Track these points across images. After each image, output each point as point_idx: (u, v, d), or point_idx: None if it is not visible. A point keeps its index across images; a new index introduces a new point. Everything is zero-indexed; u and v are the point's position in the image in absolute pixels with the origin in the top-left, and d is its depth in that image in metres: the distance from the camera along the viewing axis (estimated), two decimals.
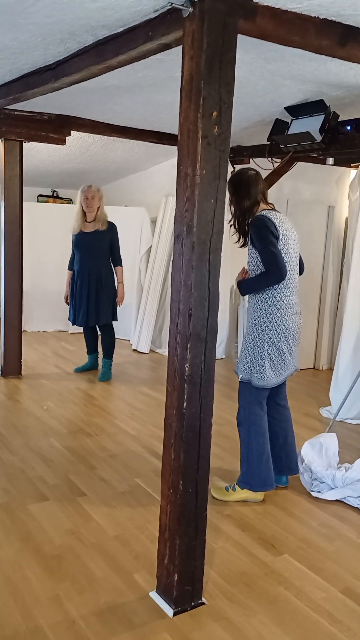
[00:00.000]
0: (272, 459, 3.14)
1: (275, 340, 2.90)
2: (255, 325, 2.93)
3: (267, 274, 2.81)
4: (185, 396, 2.05)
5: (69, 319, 5.23)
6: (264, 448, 2.98)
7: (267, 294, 2.89)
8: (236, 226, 2.97)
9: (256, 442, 2.96)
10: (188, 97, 1.90)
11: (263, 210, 2.93)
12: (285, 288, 2.90)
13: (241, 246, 3.03)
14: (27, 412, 4.19)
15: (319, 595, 2.31)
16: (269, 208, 2.97)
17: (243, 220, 2.96)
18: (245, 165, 5.48)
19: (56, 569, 2.38)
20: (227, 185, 2.85)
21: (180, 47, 1.97)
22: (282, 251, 2.84)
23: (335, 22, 2.16)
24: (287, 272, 2.81)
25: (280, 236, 2.85)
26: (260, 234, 2.82)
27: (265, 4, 1.97)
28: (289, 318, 2.93)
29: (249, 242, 2.93)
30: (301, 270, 3.15)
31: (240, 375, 2.97)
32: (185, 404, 2.06)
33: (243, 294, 2.99)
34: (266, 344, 2.90)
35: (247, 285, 2.93)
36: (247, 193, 2.91)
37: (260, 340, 2.91)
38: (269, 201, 3.04)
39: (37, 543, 2.56)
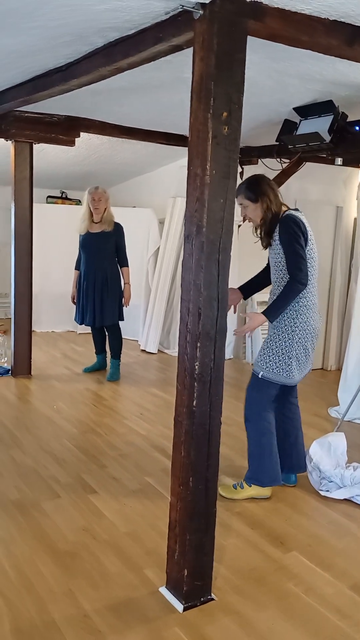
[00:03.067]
0: (282, 457, 3.17)
1: (303, 340, 2.93)
2: (285, 325, 2.92)
3: (291, 285, 2.81)
4: (195, 394, 2.07)
5: (75, 319, 5.27)
6: (273, 445, 3.01)
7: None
8: (263, 231, 2.94)
9: (266, 439, 2.99)
10: (198, 97, 1.93)
11: (286, 211, 2.94)
12: (312, 288, 2.94)
13: (266, 247, 3.03)
14: (38, 413, 4.23)
15: (328, 591, 2.33)
16: (288, 208, 2.99)
17: (273, 224, 2.92)
18: (253, 167, 5.51)
19: (70, 564, 2.41)
20: (255, 191, 2.87)
21: (189, 48, 2.00)
22: (310, 251, 2.88)
23: (344, 23, 2.17)
24: (308, 277, 2.83)
25: (309, 237, 2.89)
26: (291, 237, 2.83)
27: (275, 6, 1.99)
28: (316, 319, 2.98)
29: (276, 241, 2.90)
30: None
31: (261, 373, 2.97)
32: (195, 402, 2.08)
33: (274, 319, 2.88)
34: (295, 344, 2.92)
35: (275, 310, 2.84)
36: (276, 197, 2.93)
37: (290, 340, 2.91)
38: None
39: (50, 540, 2.59)
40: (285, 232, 2.86)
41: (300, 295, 2.89)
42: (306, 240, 2.87)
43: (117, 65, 2.60)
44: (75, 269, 5.21)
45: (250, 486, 3.03)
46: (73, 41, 2.64)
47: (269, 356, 2.96)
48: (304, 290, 2.89)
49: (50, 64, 3.06)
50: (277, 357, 2.94)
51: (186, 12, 1.97)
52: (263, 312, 2.91)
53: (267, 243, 2.98)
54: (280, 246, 2.89)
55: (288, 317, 2.92)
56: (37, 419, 4.08)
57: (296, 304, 2.91)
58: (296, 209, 3.00)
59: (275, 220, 2.92)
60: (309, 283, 2.89)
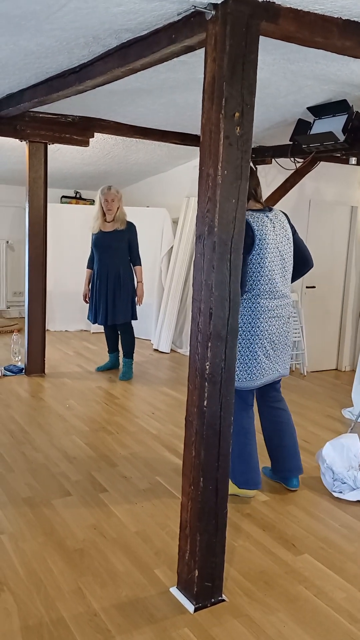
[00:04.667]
0: (272, 462, 3.19)
1: (247, 342, 2.90)
2: None
3: None
4: (206, 394, 2.07)
5: (88, 318, 5.29)
6: (244, 448, 2.99)
7: (243, 297, 2.89)
8: None
9: (236, 441, 2.97)
10: (210, 98, 1.93)
11: (249, 210, 2.88)
12: (264, 292, 2.88)
13: None
14: (50, 410, 4.26)
15: (339, 595, 2.31)
16: (257, 207, 2.93)
17: None
18: (267, 166, 5.49)
19: (78, 562, 2.43)
20: None
21: (203, 49, 2.00)
22: (257, 256, 2.82)
23: (358, 23, 2.16)
24: (245, 285, 2.81)
25: (257, 241, 2.82)
26: None
27: (288, 6, 1.98)
28: (266, 322, 2.91)
29: None
30: (307, 263, 3.14)
31: None
32: (205, 402, 2.08)
33: None
34: (239, 345, 2.89)
35: None
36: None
37: None
38: (281, 206, 3.04)
39: (60, 537, 2.61)
40: None
41: (246, 298, 2.87)
42: (252, 244, 2.80)
43: (131, 66, 2.60)
44: (88, 267, 5.24)
45: (233, 483, 3.04)
46: (88, 43, 2.66)
47: None
48: (251, 295, 2.86)
49: (65, 65, 3.08)
50: None
51: (199, 13, 1.97)
52: None
53: None
54: None
55: None
56: (49, 417, 4.11)
57: (241, 306, 2.88)
58: (262, 209, 2.93)
59: None
60: (255, 288, 2.85)
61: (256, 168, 5.52)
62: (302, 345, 5.73)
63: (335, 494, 3.13)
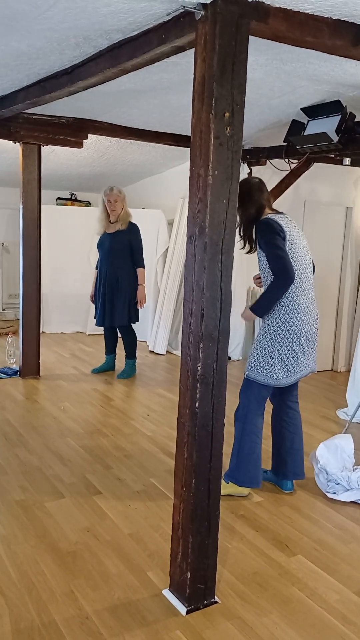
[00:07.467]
0: (278, 462, 3.18)
1: (287, 341, 2.91)
2: (268, 326, 2.94)
3: (276, 281, 2.82)
4: (198, 396, 2.07)
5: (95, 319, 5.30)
6: (255, 448, 3.00)
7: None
8: (241, 233, 3.00)
9: (249, 440, 2.98)
10: (200, 98, 1.92)
11: (268, 214, 2.96)
12: (297, 288, 2.90)
13: (247, 252, 3.05)
14: (44, 412, 4.24)
15: (333, 597, 2.30)
16: (274, 212, 3.00)
17: (249, 227, 2.99)
18: (261, 167, 5.49)
19: (71, 565, 2.41)
20: None
21: (194, 49, 1.99)
22: (290, 252, 2.86)
23: (349, 23, 2.16)
24: (294, 274, 2.82)
25: (287, 237, 2.86)
26: (267, 238, 2.85)
27: (278, 6, 1.98)
28: (302, 319, 2.93)
29: (257, 247, 2.95)
30: (313, 270, 3.16)
31: (247, 373, 2.99)
32: (197, 404, 2.07)
33: (262, 315, 2.93)
34: (278, 344, 2.91)
35: (260, 305, 2.89)
36: (251, 200, 2.95)
37: (272, 341, 2.92)
38: (276, 207, 3.09)
39: (53, 540, 2.59)
40: (260, 235, 2.90)
41: (284, 296, 2.88)
42: (284, 240, 2.85)
43: (122, 66, 2.60)
44: (95, 268, 5.24)
45: (228, 483, 3.03)
46: (79, 43, 2.65)
47: (254, 357, 2.98)
48: (288, 293, 2.87)
49: (57, 66, 3.08)
50: (260, 357, 2.95)
51: (188, 13, 1.96)
52: (250, 307, 2.95)
53: (249, 249, 3.03)
54: (261, 251, 2.92)
55: (271, 318, 2.93)
56: (43, 419, 4.10)
57: (278, 305, 2.90)
58: (280, 212, 3.00)
59: (251, 226, 2.98)
60: (295, 286, 2.87)
61: (250, 170, 5.53)
62: None
63: (329, 495, 3.13)
